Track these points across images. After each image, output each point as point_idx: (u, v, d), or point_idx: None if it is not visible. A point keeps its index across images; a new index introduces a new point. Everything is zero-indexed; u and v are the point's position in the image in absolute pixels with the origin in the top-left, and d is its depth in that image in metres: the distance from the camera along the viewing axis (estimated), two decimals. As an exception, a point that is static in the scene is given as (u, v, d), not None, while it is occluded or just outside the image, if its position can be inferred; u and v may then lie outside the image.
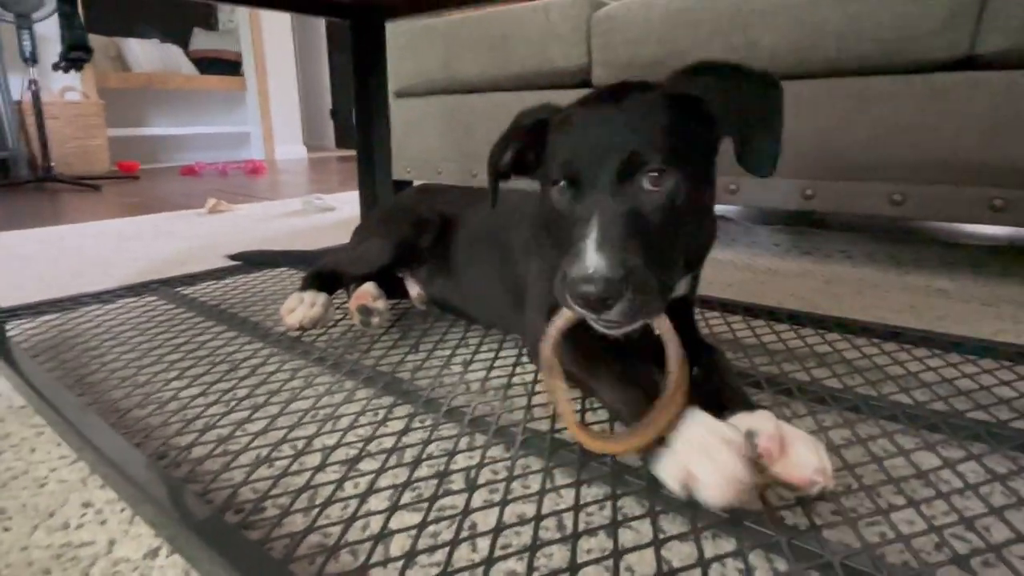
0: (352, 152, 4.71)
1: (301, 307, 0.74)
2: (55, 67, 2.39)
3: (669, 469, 0.39)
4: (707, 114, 0.45)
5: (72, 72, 2.54)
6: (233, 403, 0.59)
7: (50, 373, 0.63)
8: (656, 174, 0.42)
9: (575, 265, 0.39)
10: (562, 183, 0.46)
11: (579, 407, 0.57)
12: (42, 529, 0.43)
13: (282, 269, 1.08)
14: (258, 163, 3.34)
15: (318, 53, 5.36)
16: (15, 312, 0.81)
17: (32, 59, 2.50)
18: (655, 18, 1.22)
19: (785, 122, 0.43)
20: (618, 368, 0.48)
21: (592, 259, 0.38)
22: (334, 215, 1.87)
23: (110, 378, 0.65)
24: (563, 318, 0.46)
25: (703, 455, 0.37)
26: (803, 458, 0.40)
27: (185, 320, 0.82)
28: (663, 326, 0.43)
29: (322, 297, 0.76)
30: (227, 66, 4.38)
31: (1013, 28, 0.90)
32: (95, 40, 3.35)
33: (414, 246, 0.81)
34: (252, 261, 1.10)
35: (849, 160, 1.06)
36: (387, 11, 1.03)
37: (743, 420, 0.43)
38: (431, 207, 0.84)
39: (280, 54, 4.38)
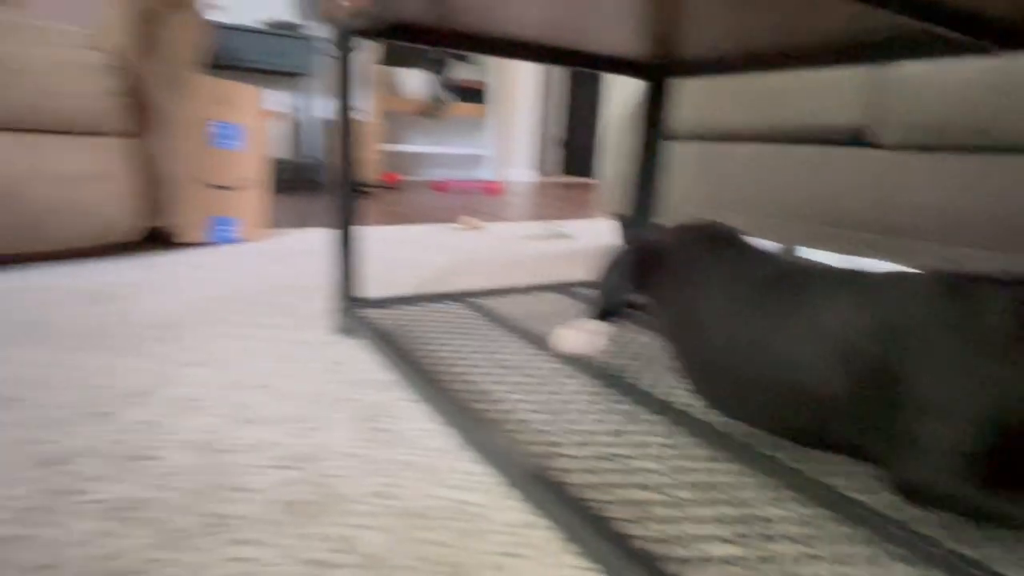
0: (577, 180, 4.98)
1: (578, 334, 0.84)
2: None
3: None
4: None
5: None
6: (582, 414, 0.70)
7: (414, 355, 0.80)
8: None
9: None
10: None
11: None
12: (433, 484, 0.57)
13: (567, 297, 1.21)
14: (496, 184, 3.69)
15: (559, 85, 5.73)
16: (379, 303, 1.03)
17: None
18: (950, 83, 1.15)
19: None
20: None
21: None
22: (571, 243, 2.02)
23: (448, 369, 0.81)
24: None
25: None
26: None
27: (482, 328, 0.98)
28: None
29: (599, 325, 0.86)
30: (472, 94, 4.89)
31: None
32: (380, 71, 4.00)
33: (645, 279, 0.77)
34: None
35: None
36: (680, 71, 1.12)
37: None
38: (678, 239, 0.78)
39: (524, 86, 4.77)
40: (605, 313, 0.87)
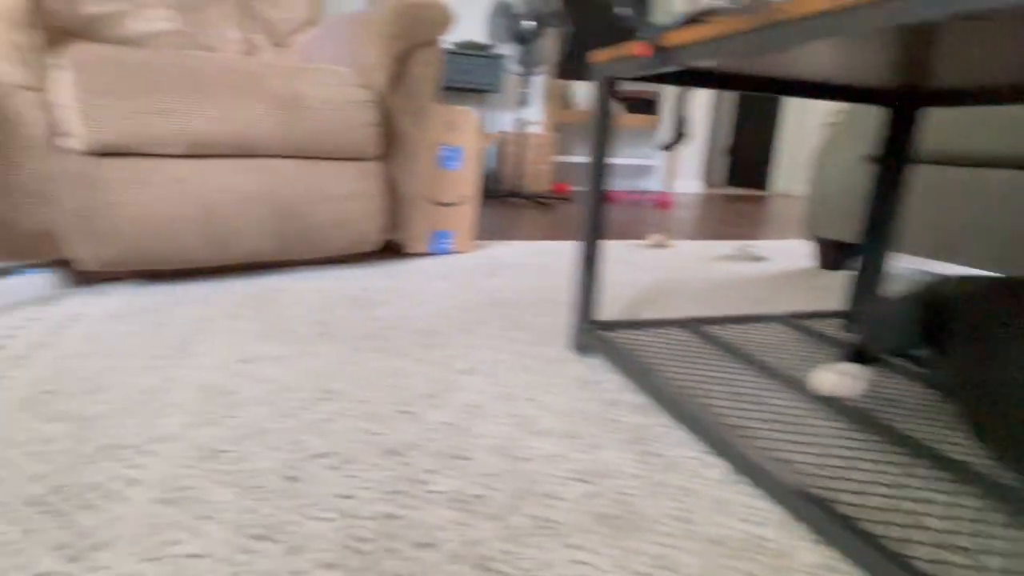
0: (746, 192, 4.78)
1: (839, 376, 0.83)
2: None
3: None
4: None
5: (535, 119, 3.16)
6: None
7: (660, 381, 0.85)
8: None
9: None
10: None
11: None
12: (722, 514, 0.61)
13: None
14: (667, 196, 3.65)
15: (728, 93, 5.53)
16: (608, 325, 1.09)
17: (525, 102, 3.21)
18: None
19: None
20: None
21: None
22: (766, 266, 1.95)
23: (695, 398, 0.85)
24: None
25: None
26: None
27: (710, 356, 1.00)
28: None
29: (859, 369, 0.84)
30: (644, 104, 4.87)
31: None
32: (554, 84, 4.14)
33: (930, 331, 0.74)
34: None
35: None
36: (933, 101, 1.06)
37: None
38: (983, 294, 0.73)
39: (695, 93, 4.66)
40: (867, 356, 0.85)
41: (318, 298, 1.28)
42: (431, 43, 1.50)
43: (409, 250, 1.69)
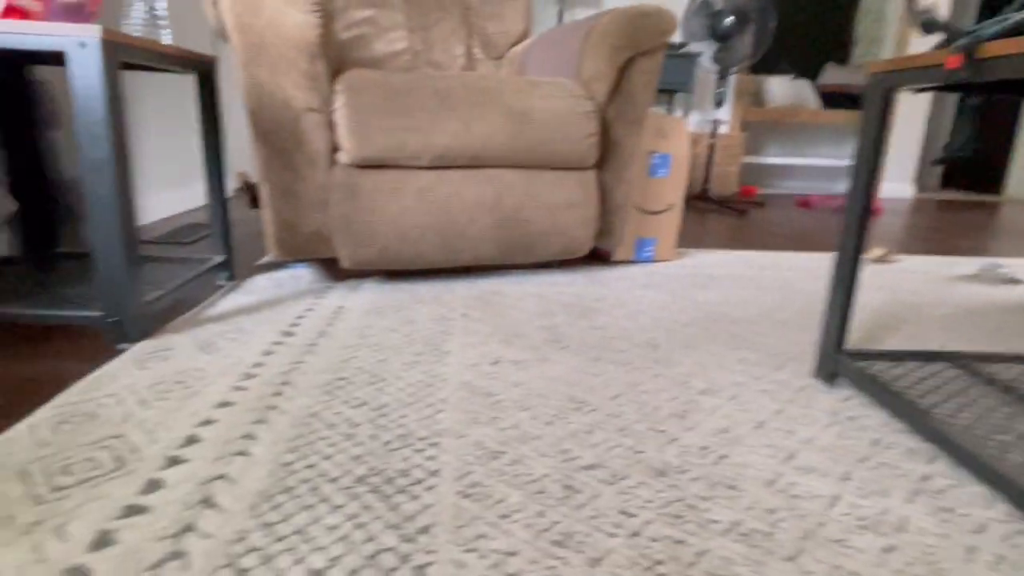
0: (967, 197, 4.15)
1: None
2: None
3: None
4: None
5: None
6: None
7: (936, 425, 0.77)
8: None
9: None
10: None
11: None
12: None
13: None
14: (876, 202, 3.29)
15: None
16: (857, 354, 1.02)
17: (720, 102, 3.08)
18: None
19: None
20: None
21: None
22: (1022, 291, 1.68)
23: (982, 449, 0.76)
24: None
25: None
26: None
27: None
28: None
29: None
30: (849, 100, 4.43)
31: None
32: (744, 81, 3.91)
33: None
34: None
35: None
36: None
37: None
38: None
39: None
40: None
41: (536, 303, 1.33)
42: (654, 51, 1.49)
43: (615, 257, 1.71)
